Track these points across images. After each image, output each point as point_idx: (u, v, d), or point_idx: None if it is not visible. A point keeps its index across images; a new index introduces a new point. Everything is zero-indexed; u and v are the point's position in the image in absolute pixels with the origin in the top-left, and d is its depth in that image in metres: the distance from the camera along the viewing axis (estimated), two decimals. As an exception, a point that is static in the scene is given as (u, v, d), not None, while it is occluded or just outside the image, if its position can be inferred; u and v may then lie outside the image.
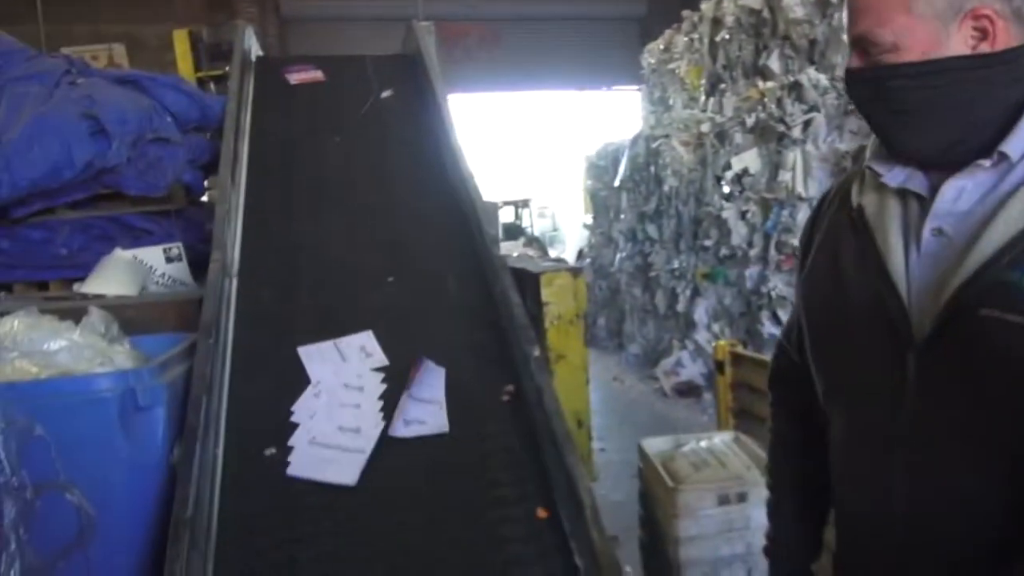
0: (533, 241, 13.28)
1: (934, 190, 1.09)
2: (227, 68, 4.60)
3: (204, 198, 3.98)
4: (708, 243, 6.88)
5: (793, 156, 5.62)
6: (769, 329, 5.77)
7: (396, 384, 2.44)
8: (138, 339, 2.48)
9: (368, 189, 3.46)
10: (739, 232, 6.34)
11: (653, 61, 9.39)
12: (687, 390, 6.92)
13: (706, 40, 7.71)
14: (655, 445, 2.99)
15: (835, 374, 1.22)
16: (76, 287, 3.11)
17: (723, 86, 7.44)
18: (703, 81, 7.87)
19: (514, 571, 1.98)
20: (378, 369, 2.54)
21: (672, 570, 2.63)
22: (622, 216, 9.16)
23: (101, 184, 3.27)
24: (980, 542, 1.04)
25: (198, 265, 3.23)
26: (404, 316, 2.77)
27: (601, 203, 10.11)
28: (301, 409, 2.39)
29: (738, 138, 6.42)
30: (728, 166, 6.46)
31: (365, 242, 3.13)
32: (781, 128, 5.80)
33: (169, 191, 3.41)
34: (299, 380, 2.48)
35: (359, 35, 10.83)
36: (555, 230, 18.11)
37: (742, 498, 2.57)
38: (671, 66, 8.75)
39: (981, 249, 1.01)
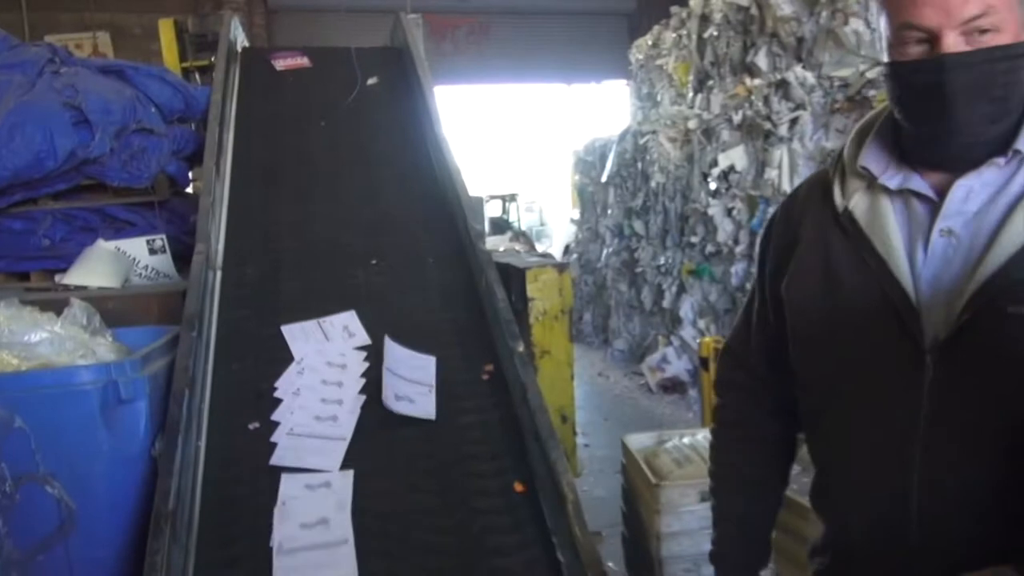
0: (520, 236, 13.29)
1: (935, 191, 1.09)
2: (213, 59, 4.57)
3: (189, 189, 3.96)
4: (694, 239, 6.90)
5: (779, 154, 5.64)
6: (754, 326, 5.78)
7: (378, 362, 2.49)
8: (120, 331, 2.47)
9: (353, 173, 3.52)
10: (725, 229, 6.37)
11: (641, 56, 9.40)
12: (672, 386, 6.94)
13: (694, 36, 7.72)
14: (638, 441, 3.00)
15: (835, 379, 1.17)
16: (58, 278, 3.09)
17: (711, 83, 7.45)
18: (691, 77, 7.88)
19: (489, 539, 2.03)
20: (360, 348, 2.59)
21: (654, 566, 2.64)
22: (609, 211, 9.17)
23: (84, 175, 3.24)
24: (998, 544, 1.02)
25: (182, 257, 3.22)
26: (386, 296, 2.83)
27: (588, 198, 10.12)
28: (284, 385, 2.43)
29: (725, 135, 6.44)
30: (715, 163, 6.48)
31: (349, 224, 3.19)
32: (768, 126, 5.82)
33: (153, 182, 3.39)
34: (283, 358, 2.52)
35: (347, 27, 10.74)
36: (542, 225, 18.11)
37: (724, 494, 2.58)
38: (659, 62, 8.76)
39: (1002, 247, 1.01)
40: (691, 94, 7.84)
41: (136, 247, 3.22)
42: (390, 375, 2.37)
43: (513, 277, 2.97)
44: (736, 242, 6.23)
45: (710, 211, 6.54)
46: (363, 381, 2.46)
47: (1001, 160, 1.05)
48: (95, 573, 2.05)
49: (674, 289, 7.37)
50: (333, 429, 2.30)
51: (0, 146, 2.87)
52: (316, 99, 3.99)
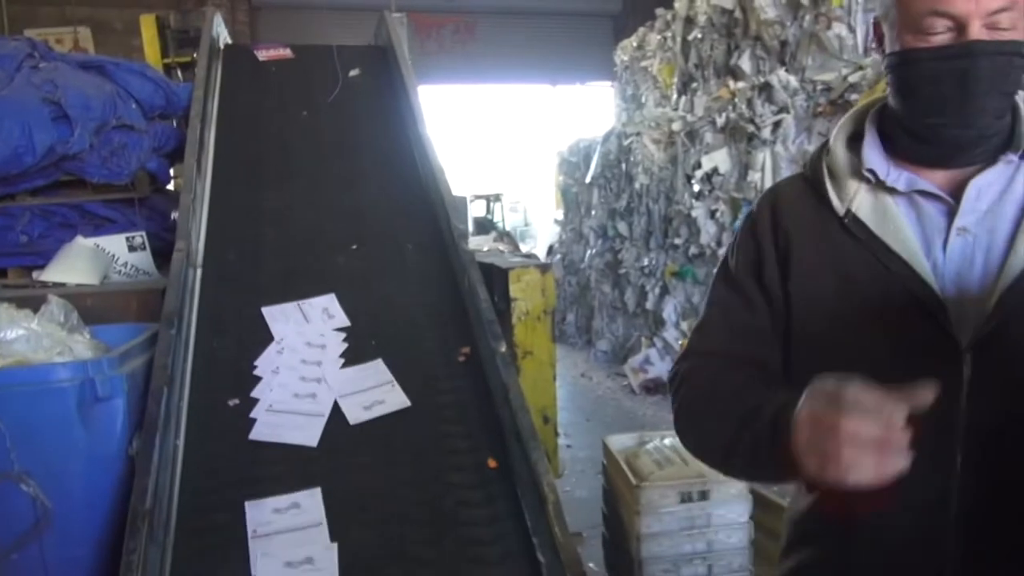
0: (504, 236, 13.27)
1: (944, 190, 1.09)
2: (195, 55, 4.53)
3: (170, 186, 3.93)
4: (678, 241, 6.93)
5: (762, 156, 5.67)
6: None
7: (357, 343, 2.58)
8: (98, 328, 2.45)
9: (334, 161, 3.58)
10: (708, 231, 6.39)
11: (626, 58, 9.42)
12: (655, 387, 6.95)
13: (679, 39, 7.75)
14: (619, 442, 3.01)
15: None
16: (36, 275, 3.06)
17: (695, 85, 7.48)
18: (675, 79, 7.90)
19: (463, 512, 2.10)
20: (340, 329, 2.66)
21: (634, 566, 2.64)
22: (593, 212, 9.19)
23: (63, 170, 3.21)
24: None
25: (162, 254, 3.20)
26: (366, 281, 2.90)
27: (572, 199, 10.13)
28: (264, 363, 2.49)
29: (708, 137, 6.46)
30: (698, 165, 6.50)
31: (330, 211, 3.26)
32: (751, 128, 5.85)
33: (133, 179, 3.36)
34: (263, 338, 2.59)
35: (331, 24, 10.73)
36: (526, 225, 18.11)
37: (704, 496, 2.59)
38: (644, 64, 8.78)
39: None
40: (675, 96, 7.87)
41: (115, 244, 3.19)
42: (348, 398, 2.41)
43: (496, 277, 2.97)
44: (719, 244, 6.26)
45: (693, 213, 6.57)
46: (342, 361, 2.53)
47: (1014, 157, 1.07)
48: (70, 572, 2.03)
49: (657, 291, 7.39)
50: (312, 406, 2.36)
51: (-22, 141, 2.84)
52: (298, 90, 4.03)
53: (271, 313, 2.68)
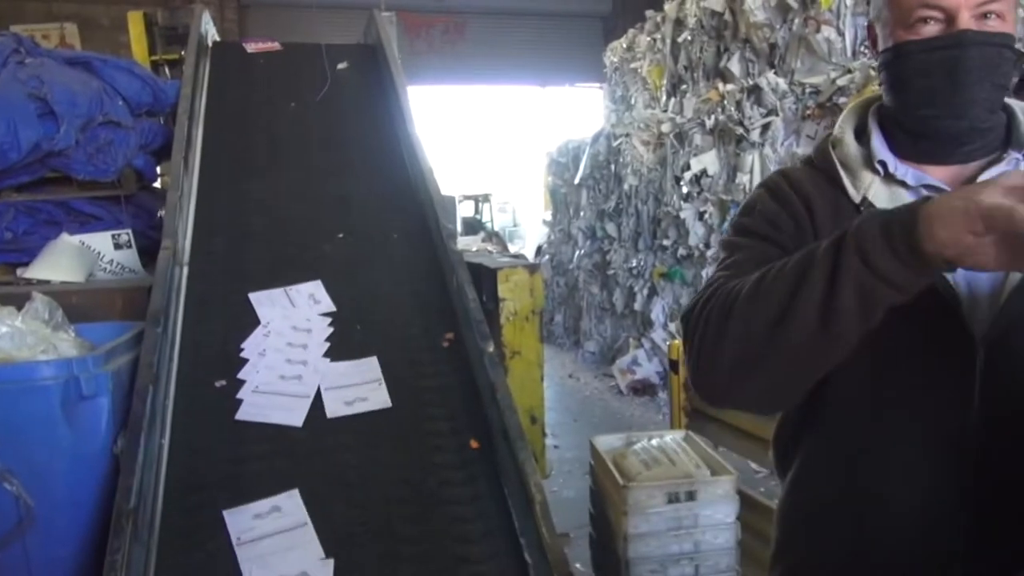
0: (493, 236, 13.27)
1: (951, 186, 1.09)
2: (182, 52, 4.51)
3: (156, 184, 3.91)
4: (666, 243, 6.93)
5: (751, 159, 5.69)
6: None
7: (342, 328, 2.65)
8: (83, 327, 2.44)
9: (321, 151, 3.64)
10: (697, 232, 6.40)
11: (616, 60, 9.43)
12: (642, 388, 6.97)
13: (668, 41, 7.76)
14: (607, 442, 3.00)
15: (872, 364, 1.08)
16: (20, 272, 3.03)
17: (684, 87, 7.49)
18: (664, 81, 7.92)
19: (445, 491, 2.17)
20: (326, 314, 2.72)
21: (621, 567, 2.64)
22: (582, 213, 9.19)
23: (48, 167, 3.19)
24: None
25: (148, 252, 3.18)
26: (352, 268, 2.97)
27: (561, 200, 10.13)
28: (251, 346, 2.54)
29: (698, 139, 6.48)
30: (687, 167, 6.51)
31: (318, 201, 3.32)
32: (740, 131, 5.86)
33: (119, 176, 3.34)
34: (250, 323, 2.64)
35: (319, 23, 10.70)
36: (515, 225, 18.12)
37: (691, 496, 2.58)
38: (633, 65, 8.79)
39: None
40: (665, 98, 7.88)
41: (101, 241, 3.17)
42: (332, 391, 2.44)
43: (484, 277, 2.97)
44: (708, 246, 6.27)
45: (682, 215, 6.58)
46: (327, 345, 2.59)
47: (1018, 154, 1.09)
48: (54, 571, 2.02)
49: (645, 292, 7.40)
50: (297, 387, 2.40)
51: (-38, 136, 2.82)
52: (287, 87, 4.06)
53: (258, 298, 2.73)
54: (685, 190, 6.59)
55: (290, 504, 2.07)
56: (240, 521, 2.02)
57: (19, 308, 2.29)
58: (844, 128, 1.21)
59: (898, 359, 1.10)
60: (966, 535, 1.06)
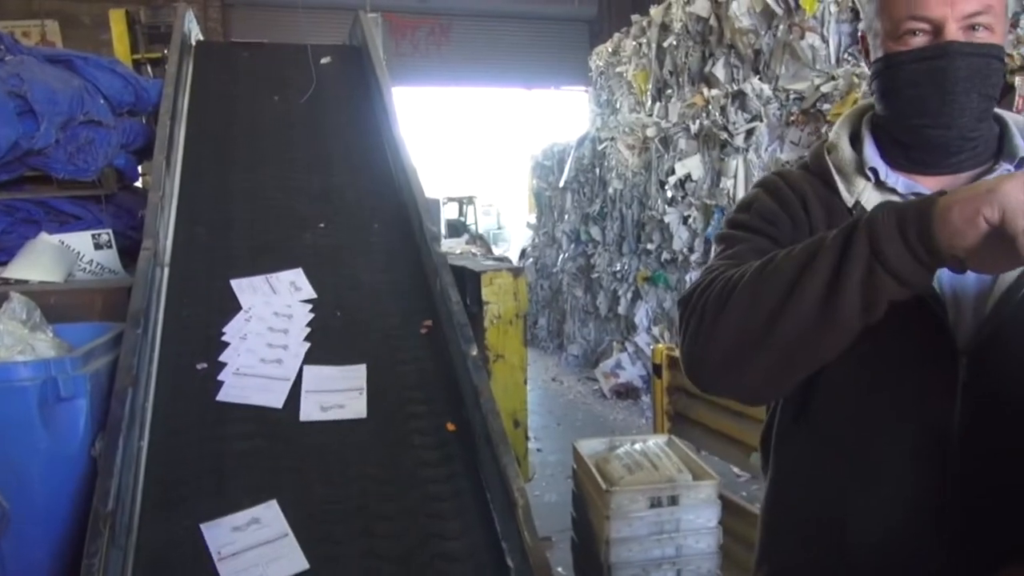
0: (477, 239, 13.25)
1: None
2: (165, 51, 4.48)
3: (138, 184, 3.88)
4: (650, 247, 6.95)
5: (735, 163, 5.71)
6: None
7: (323, 313, 2.72)
8: (62, 327, 2.41)
9: (304, 143, 3.70)
10: (681, 237, 6.42)
11: (601, 63, 9.45)
12: (626, 392, 6.97)
13: (654, 45, 7.79)
14: (589, 446, 3.00)
15: (858, 369, 1.09)
16: (-2, 271, 2.99)
17: (669, 92, 7.52)
18: (650, 86, 7.94)
19: (423, 472, 2.23)
20: (306, 301, 2.77)
21: (603, 571, 2.63)
22: (566, 217, 9.20)
23: (27, 166, 3.16)
24: None
25: (128, 253, 3.15)
26: (333, 257, 3.03)
27: (545, 203, 10.14)
28: (232, 330, 2.60)
29: (682, 144, 6.50)
30: (672, 171, 6.53)
31: (300, 191, 3.37)
32: (724, 136, 5.88)
33: (100, 175, 3.32)
34: (232, 308, 2.70)
35: (304, 23, 10.60)
36: (499, 228, 18.11)
37: (673, 501, 2.59)
38: (619, 69, 8.81)
39: None
40: (650, 102, 7.91)
41: (81, 241, 3.14)
42: (311, 395, 2.45)
43: (468, 280, 2.97)
44: (691, 250, 6.29)
45: (666, 219, 6.60)
46: (308, 330, 2.63)
47: (1010, 166, 1.10)
48: (30, 574, 1.99)
49: (629, 295, 7.41)
50: (278, 370, 2.45)
51: (-61, 134, 2.78)
52: (271, 87, 4.06)
53: (239, 285, 2.77)
54: (669, 194, 6.61)
55: (269, 515, 2.05)
56: (219, 535, 1.99)
57: (-4, 308, 2.26)
58: (840, 134, 1.22)
59: (883, 367, 1.11)
60: (948, 543, 1.06)
